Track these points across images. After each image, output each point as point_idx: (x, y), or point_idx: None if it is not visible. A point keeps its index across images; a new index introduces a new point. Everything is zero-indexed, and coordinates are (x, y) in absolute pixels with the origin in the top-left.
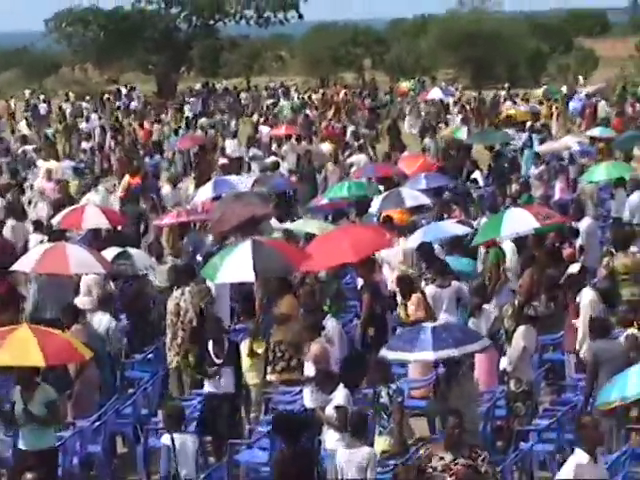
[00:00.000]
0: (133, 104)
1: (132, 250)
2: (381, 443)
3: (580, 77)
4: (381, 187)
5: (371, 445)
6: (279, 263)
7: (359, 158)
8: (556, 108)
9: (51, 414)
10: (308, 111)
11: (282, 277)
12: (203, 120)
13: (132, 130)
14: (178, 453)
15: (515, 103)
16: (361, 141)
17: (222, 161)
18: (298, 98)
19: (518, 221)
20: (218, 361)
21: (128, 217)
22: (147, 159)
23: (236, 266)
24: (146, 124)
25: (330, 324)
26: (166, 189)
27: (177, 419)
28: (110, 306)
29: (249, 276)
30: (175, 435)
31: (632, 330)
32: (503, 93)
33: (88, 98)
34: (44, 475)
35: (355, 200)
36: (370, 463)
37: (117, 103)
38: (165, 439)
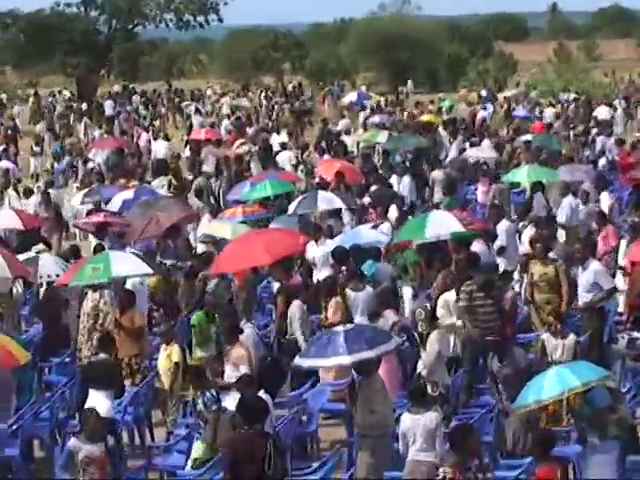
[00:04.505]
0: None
1: (43, 255)
2: (196, 450)
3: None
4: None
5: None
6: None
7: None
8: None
9: None
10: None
11: (127, 290)
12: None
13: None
14: None
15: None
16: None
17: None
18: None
19: (442, 224)
20: None
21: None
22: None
23: (127, 262)
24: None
25: (246, 329)
26: None
27: None
28: None
29: (146, 269)
30: None
31: (544, 335)
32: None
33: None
34: None
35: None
36: (438, 426)
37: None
38: None
